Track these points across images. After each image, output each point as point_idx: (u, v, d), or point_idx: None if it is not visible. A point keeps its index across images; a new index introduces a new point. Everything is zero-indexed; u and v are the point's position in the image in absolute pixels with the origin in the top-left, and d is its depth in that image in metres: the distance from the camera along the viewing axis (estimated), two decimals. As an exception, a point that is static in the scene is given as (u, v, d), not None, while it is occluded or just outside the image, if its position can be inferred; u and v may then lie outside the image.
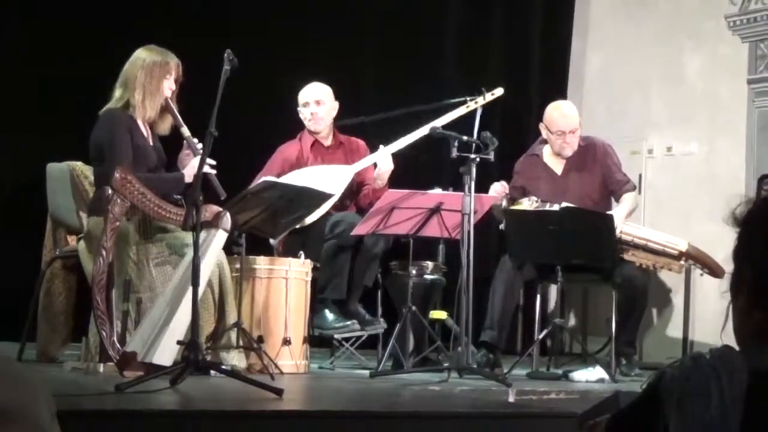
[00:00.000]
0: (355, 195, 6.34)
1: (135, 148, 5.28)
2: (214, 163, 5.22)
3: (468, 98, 6.21)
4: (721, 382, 1.44)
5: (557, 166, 6.51)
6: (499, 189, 6.36)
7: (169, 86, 5.35)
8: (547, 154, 6.53)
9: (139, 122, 5.35)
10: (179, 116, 5.33)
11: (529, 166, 6.58)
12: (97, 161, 5.37)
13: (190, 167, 5.28)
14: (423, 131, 6.04)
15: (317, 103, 6.33)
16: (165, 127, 5.42)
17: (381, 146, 6.22)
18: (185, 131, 5.30)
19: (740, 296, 1.61)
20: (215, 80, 4.64)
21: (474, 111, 6.14)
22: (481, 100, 6.20)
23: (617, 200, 6.47)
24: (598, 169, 6.48)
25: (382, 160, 6.19)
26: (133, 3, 7.09)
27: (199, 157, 5.13)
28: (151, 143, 5.41)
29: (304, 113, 6.35)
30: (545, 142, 6.53)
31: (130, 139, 5.27)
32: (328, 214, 6.05)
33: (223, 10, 7.46)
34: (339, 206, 6.17)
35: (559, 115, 6.46)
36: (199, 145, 5.20)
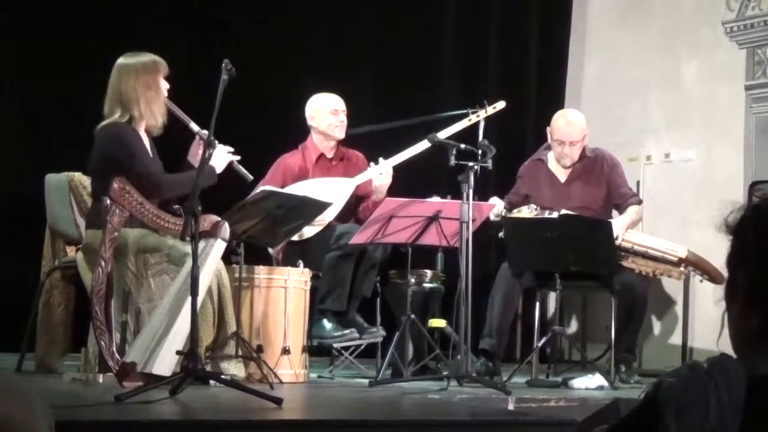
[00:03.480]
0: (355, 208, 6.33)
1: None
2: (232, 149, 5.24)
3: (470, 111, 6.21)
4: (719, 390, 1.44)
5: (561, 174, 6.51)
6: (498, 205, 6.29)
7: (165, 86, 5.30)
8: (552, 161, 6.54)
9: (141, 134, 5.32)
10: (183, 113, 5.27)
11: (532, 170, 6.58)
12: (102, 174, 5.18)
13: (216, 159, 5.18)
14: (423, 145, 6.04)
15: (343, 113, 6.34)
16: (157, 128, 5.36)
17: (381, 159, 6.22)
18: (194, 126, 5.24)
19: (735, 303, 1.61)
20: (214, 90, 4.65)
21: (476, 123, 6.14)
22: (482, 113, 6.20)
23: (621, 213, 6.47)
24: (603, 182, 6.49)
25: (382, 173, 6.19)
26: (130, 16, 7.10)
27: (219, 148, 5.18)
28: (151, 154, 5.40)
29: (331, 120, 6.31)
30: (551, 147, 6.54)
31: (141, 151, 5.25)
32: (330, 227, 6.05)
33: (222, 18, 7.47)
34: (340, 219, 6.17)
35: (563, 123, 6.46)
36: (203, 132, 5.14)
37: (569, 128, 6.44)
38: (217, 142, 5.13)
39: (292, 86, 6.93)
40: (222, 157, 5.27)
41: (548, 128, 6.52)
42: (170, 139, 5.42)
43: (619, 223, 6.27)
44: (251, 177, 5.29)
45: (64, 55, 6.89)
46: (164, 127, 5.32)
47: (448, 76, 8.30)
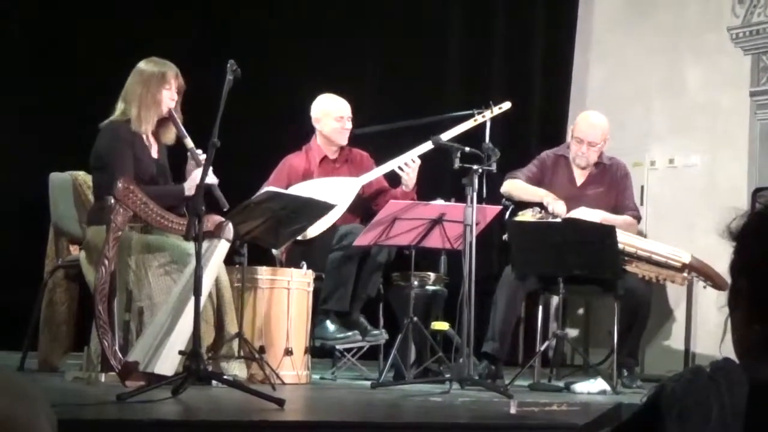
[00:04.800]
0: (363, 207, 6.33)
1: (134, 160, 5.28)
2: (216, 180, 5.23)
3: (476, 111, 6.20)
4: (721, 395, 1.44)
5: (579, 175, 6.54)
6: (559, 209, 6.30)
7: (170, 97, 5.34)
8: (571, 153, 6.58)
9: (143, 135, 5.35)
10: (182, 127, 5.32)
11: (554, 164, 6.60)
12: (97, 171, 5.37)
13: (191, 180, 5.25)
14: (427, 146, 6.05)
15: (349, 119, 6.34)
16: (170, 136, 5.42)
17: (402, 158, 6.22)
18: (189, 143, 5.28)
19: (738, 310, 1.61)
20: (218, 91, 4.65)
21: (481, 125, 6.13)
22: (488, 114, 6.19)
23: None
24: (614, 191, 6.51)
25: (404, 168, 6.18)
26: (135, 14, 7.10)
27: (199, 170, 5.14)
28: (155, 156, 5.41)
29: (335, 126, 6.31)
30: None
31: (132, 152, 5.28)
32: (334, 226, 6.05)
33: (226, 21, 7.47)
34: (347, 218, 6.17)
35: (584, 123, 6.54)
36: (203, 156, 5.18)
37: (591, 129, 6.48)
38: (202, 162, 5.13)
39: (296, 86, 6.94)
40: (198, 179, 5.21)
41: (571, 126, 6.57)
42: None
43: (602, 215, 6.27)
44: (227, 205, 5.23)
45: (69, 54, 6.90)
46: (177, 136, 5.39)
47: (453, 80, 8.30)
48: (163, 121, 5.38)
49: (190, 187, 5.23)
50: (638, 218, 6.62)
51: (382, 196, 6.32)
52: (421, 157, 6.18)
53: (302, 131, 6.45)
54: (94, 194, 5.46)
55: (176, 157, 5.54)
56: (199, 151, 5.21)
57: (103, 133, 5.34)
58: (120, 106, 5.34)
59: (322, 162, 6.35)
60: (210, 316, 5.14)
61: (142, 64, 5.38)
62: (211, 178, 5.10)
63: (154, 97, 5.30)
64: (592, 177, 6.54)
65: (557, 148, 6.72)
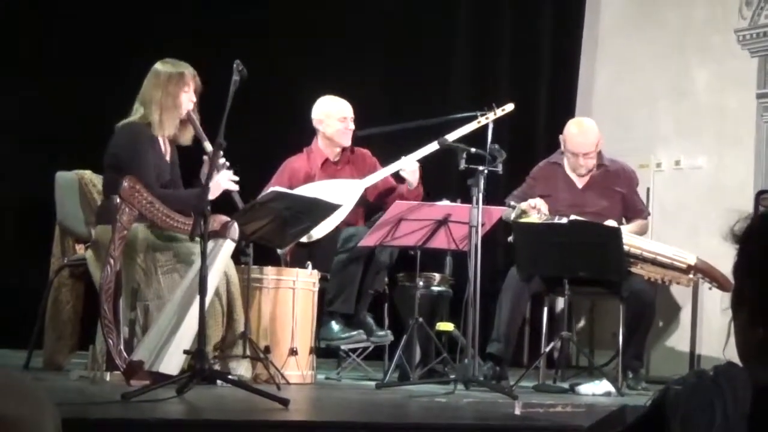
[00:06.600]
0: (371, 206, 6.32)
1: (154, 163, 5.28)
2: (237, 179, 5.23)
3: (479, 113, 6.20)
4: (725, 398, 1.44)
5: (578, 180, 6.51)
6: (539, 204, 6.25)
7: (189, 98, 5.31)
8: (568, 166, 6.55)
9: (159, 138, 5.34)
10: (201, 130, 5.29)
11: (549, 173, 6.58)
12: (111, 170, 5.31)
13: (215, 184, 5.18)
14: (432, 147, 6.05)
15: (351, 120, 6.34)
16: (187, 137, 5.40)
17: (403, 157, 6.21)
18: (208, 146, 5.22)
19: (742, 312, 1.60)
20: (219, 91, 4.66)
21: (485, 126, 6.12)
22: (491, 116, 6.19)
23: (627, 223, 6.50)
24: (619, 194, 6.50)
25: (405, 170, 6.19)
26: (143, 15, 7.11)
27: (222, 173, 5.15)
28: (168, 159, 5.41)
29: (339, 127, 6.29)
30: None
31: (151, 155, 5.27)
32: (338, 229, 6.05)
33: (230, 22, 7.47)
34: (350, 220, 6.17)
35: (577, 134, 6.46)
36: (223, 160, 5.17)
37: (583, 138, 6.44)
38: (227, 165, 5.15)
39: (300, 87, 6.94)
40: (221, 183, 5.25)
41: (561, 136, 6.52)
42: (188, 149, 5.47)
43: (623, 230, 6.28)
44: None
45: (76, 54, 6.90)
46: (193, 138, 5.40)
47: (458, 82, 8.30)
48: (180, 123, 5.36)
49: (213, 191, 5.17)
50: (647, 215, 6.66)
51: (390, 194, 6.32)
52: (427, 158, 6.18)
53: (305, 132, 6.45)
54: (103, 193, 5.45)
55: (185, 158, 5.54)
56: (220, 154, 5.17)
57: (121, 134, 5.30)
58: (139, 110, 5.30)
59: (323, 164, 6.34)
60: (218, 314, 5.14)
61: (159, 66, 5.34)
62: (232, 185, 5.22)
63: (174, 100, 5.27)
64: (594, 180, 6.51)
65: (550, 157, 6.68)
